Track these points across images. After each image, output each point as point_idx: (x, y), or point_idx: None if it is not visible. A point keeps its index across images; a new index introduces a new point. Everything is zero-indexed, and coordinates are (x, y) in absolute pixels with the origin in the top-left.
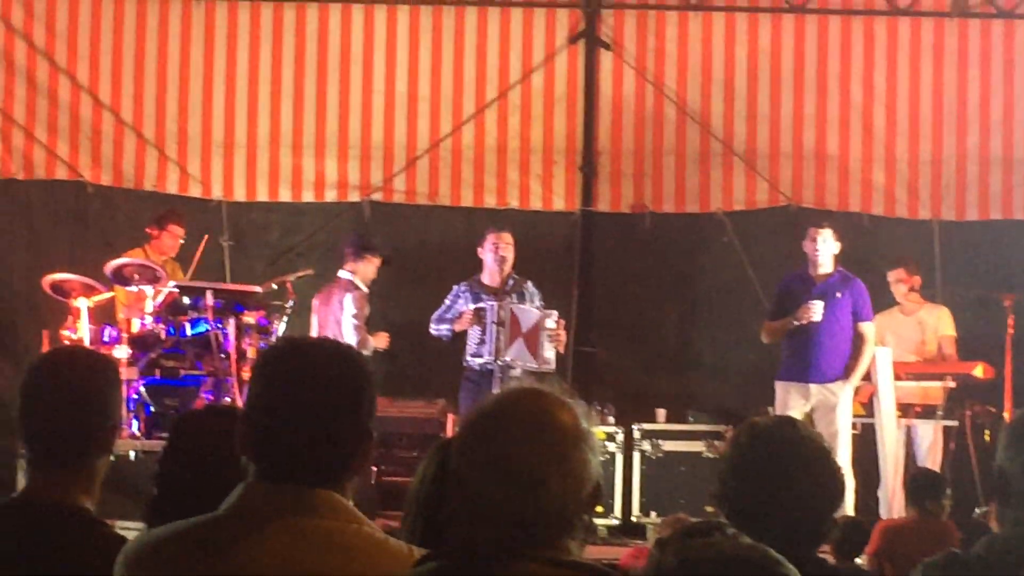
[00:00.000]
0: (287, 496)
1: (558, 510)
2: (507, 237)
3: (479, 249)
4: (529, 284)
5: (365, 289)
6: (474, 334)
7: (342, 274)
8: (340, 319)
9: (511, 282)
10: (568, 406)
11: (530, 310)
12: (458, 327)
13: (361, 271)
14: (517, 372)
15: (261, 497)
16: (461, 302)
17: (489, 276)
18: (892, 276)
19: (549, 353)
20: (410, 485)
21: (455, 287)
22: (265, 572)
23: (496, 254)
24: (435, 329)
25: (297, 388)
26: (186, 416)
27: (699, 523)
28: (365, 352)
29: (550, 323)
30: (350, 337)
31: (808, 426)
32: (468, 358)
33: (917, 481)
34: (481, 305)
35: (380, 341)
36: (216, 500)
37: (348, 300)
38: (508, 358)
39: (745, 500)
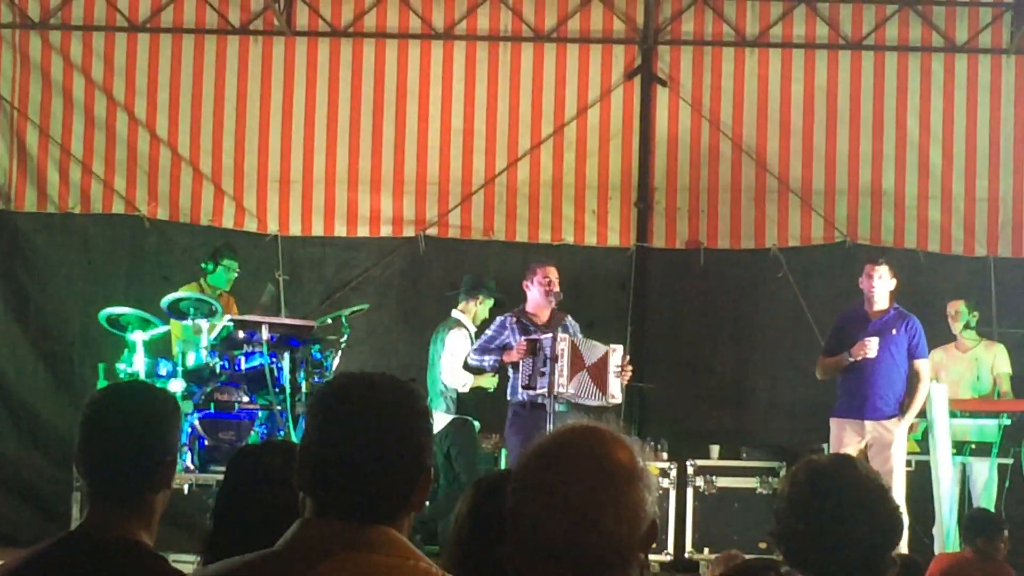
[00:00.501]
0: (344, 532)
1: (614, 548)
2: (555, 271)
3: (525, 283)
4: (569, 317)
5: (471, 328)
6: (525, 367)
7: (454, 314)
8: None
9: (557, 313)
10: (624, 443)
11: (594, 344)
12: (509, 359)
13: (471, 310)
14: (563, 407)
15: (318, 533)
16: (507, 333)
17: (536, 308)
18: (952, 308)
19: (615, 388)
20: (450, 523)
21: (499, 318)
22: None
23: (547, 287)
24: (476, 360)
25: (355, 423)
26: (242, 451)
27: (752, 561)
28: (458, 387)
29: (616, 357)
30: (444, 372)
31: (866, 464)
32: (520, 391)
33: (973, 520)
34: (538, 337)
35: (484, 380)
36: (273, 535)
37: (449, 336)
38: (570, 391)
39: (803, 538)
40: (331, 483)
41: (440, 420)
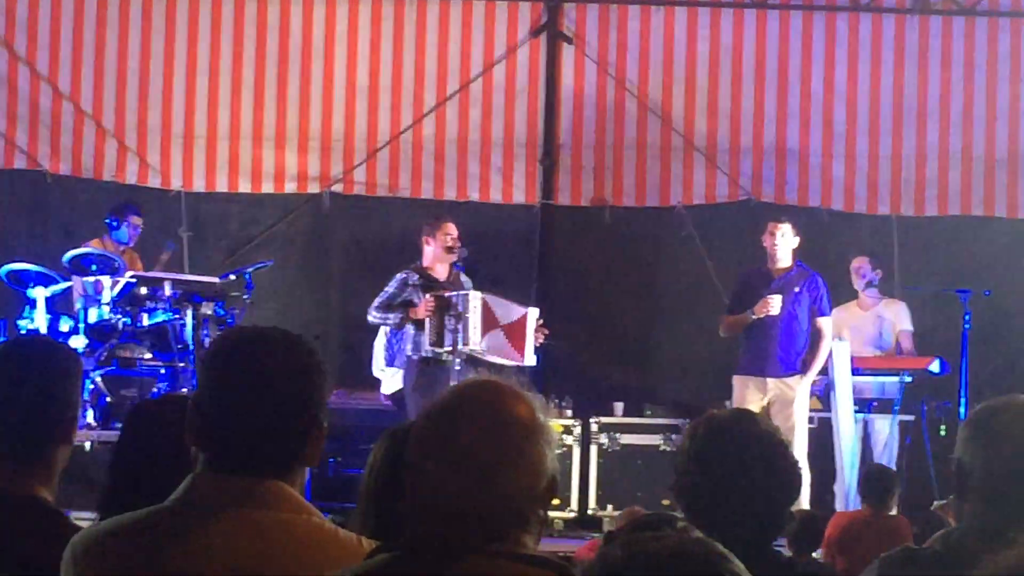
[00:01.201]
0: (235, 487)
1: (512, 503)
2: (454, 227)
3: (424, 238)
4: (463, 275)
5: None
6: (432, 323)
7: None
8: None
9: (451, 272)
10: (525, 399)
11: (511, 304)
12: (416, 315)
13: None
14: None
15: (209, 488)
16: (409, 290)
17: (433, 264)
18: (856, 262)
19: (531, 349)
20: (362, 476)
21: (399, 275)
22: (212, 563)
23: (450, 244)
24: (380, 317)
25: (246, 377)
26: (139, 406)
27: (648, 516)
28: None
29: (533, 319)
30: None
31: (766, 420)
32: (426, 348)
33: (870, 477)
34: (449, 294)
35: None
36: (169, 491)
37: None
38: (483, 347)
39: (702, 493)
40: (222, 438)
41: (396, 383)
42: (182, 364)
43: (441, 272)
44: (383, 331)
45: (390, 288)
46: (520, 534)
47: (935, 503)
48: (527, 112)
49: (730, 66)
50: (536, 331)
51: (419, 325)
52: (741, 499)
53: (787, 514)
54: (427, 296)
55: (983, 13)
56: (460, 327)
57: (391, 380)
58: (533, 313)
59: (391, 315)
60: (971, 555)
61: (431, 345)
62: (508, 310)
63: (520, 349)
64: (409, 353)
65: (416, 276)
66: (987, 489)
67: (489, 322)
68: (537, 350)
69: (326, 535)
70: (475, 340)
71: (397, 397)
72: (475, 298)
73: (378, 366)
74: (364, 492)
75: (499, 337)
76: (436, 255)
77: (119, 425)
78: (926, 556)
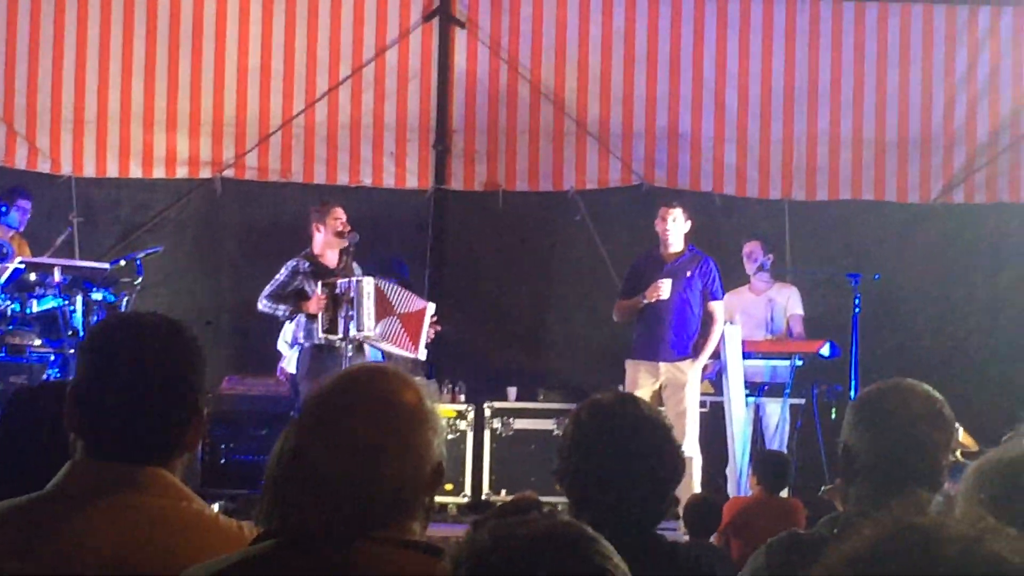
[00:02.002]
0: (113, 473)
1: (398, 489)
2: (342, 212)
3: (314, 224)
4: (355, 264)
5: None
6: (324, 312)
7: None
8: None
9: (343, 259)
10: (411, 383)
11: (410, 295)
12: (308, 310)
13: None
14: (368, 351)
15: (87, 475)
16: (300, 279)
17: (324, 250)
18: (747, 248)
19: (424, 342)
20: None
21: (289, 262)
22: (90, 549)
23: (340, 228)
24: (269, 307)
25: (124, 364)
26: (17, 392)
27: (516, 500)
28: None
29: (431, 311)
30: None
31: (649, 404)
32: (319, 335)
33: (762, 460)
34: (340, 281)
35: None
36: (47, 479)
37: None
38: (376, 333)
39: (584, 476)
40: (100, 424)
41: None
42: (72, 351)
43: (332, 259)
44: None
45: (280, 276)
46: (406, 520)
47: (823, 488)
48: (420, 97)
49: (622, 50)
50: (430, 326)
51: (313, 315)
52: (622, 483)
53: (669, 499)
54: (318, 291)
55: None
56: (353, 313)
57: (292, 359)
58: (431, 308)
59: (281, 306)
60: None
61: (324, 332)
62: (405, 300)
63: (415, 341)
64: (302, 340)
65: (307, 264)
66: (873, 472)
67: (384, 309)
68: (428, 344)
69: (205, 522)
70: (368, 326)
71: (294, 380)
72: (368, 283)
73: (284, 338)
74: (268, 481)
75: (395, 324)
76: (326, 241)
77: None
78: (812, 540)
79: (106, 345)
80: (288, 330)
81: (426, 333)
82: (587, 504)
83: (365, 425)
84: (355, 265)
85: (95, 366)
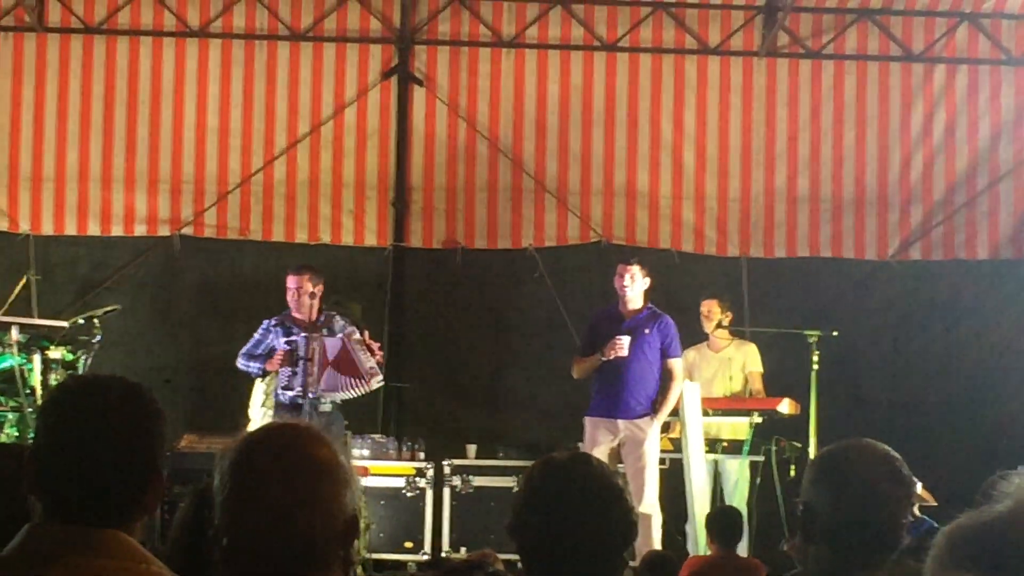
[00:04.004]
0: (72, 536)
1: (310, 544)
2: (304, 280)
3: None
4: (338, 318)
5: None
6: (285, 369)
7: None
8: None
9: (322, 318)
10: (322, 440)
11: (332, 339)
12: (270, 367)
13: None
14: (327, 407)
15: (45, 538)
16: (272, 337)
17: (295, 312)
18: (705, 307)
19: (370, 363)
20: (171, 529)
21: (265, 322)
22: None
23: (294, 298)
24: (244, 364)
25: (83, 426)
26: None
27: (458, 562)
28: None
29: (357, 336)
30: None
31: (603, 464)
32: (279, 391)
33: (717, 518)
34: (293, 338)
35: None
36: (3, 541)
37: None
38: (321, 388)
39: (536, 534)
40: (58, 486)
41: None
42: (30, 410)
43: (303, 317)
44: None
45: (256, 335)
46: (323, 573)
47: (783, 541)
48: (379, 154)
49: (580, 109)
50: (362, 347)
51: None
52: (573, 542)
53: (619, 559)
54: (279, 342)
55: (829, 56)
56: (302, 371)
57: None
58: (351, 334)
59: (252, 364)
60: None
61: (282, 388)
62: (332, 344)
63: (356, 376)
64: (274, 396)
65: (277, 322)
66: (832, 532)
67: (324, 362)
68: (387, 391)
69: None
70: (312, 383)
71: None
72: (313, 340)
73: (254, 401)
74: (172, 546)
75: (333, 375)
76: (292, 305)
77: None
78: None
79: (65, 408)
80: (258, 390)
81: (362, 360)
82: (538, 561)
83: (274, 481)
84: (338, 320)
85: (54, 429)
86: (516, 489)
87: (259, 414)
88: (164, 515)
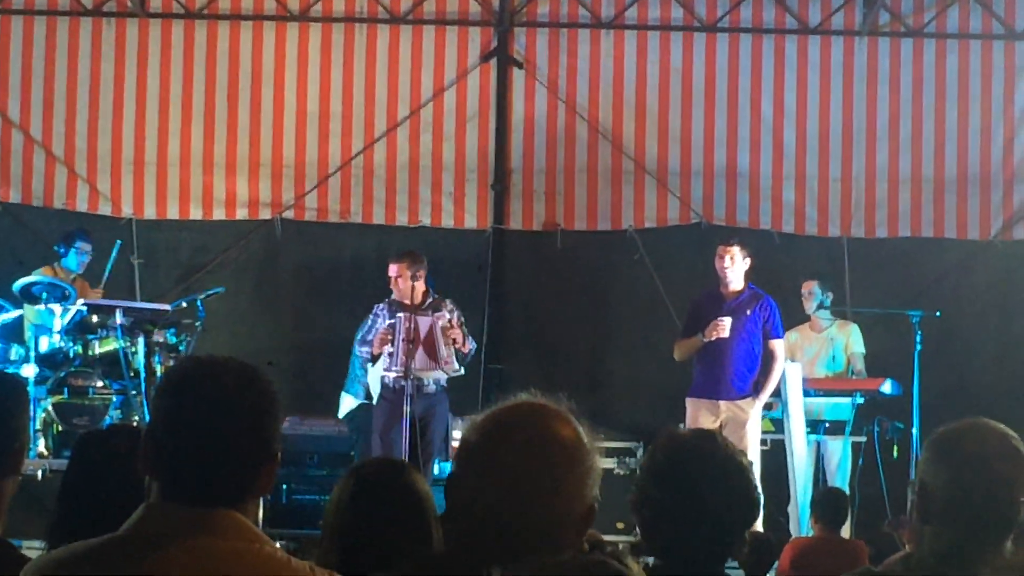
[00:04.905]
0: (188, 516)
1: (547, 525)
2: (404, 267)
3: None
4: (448, 302)
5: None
6: (386, 349)
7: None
8: None
9: (430, 299)
10: (570, 422)
11: (425, 318)
12: (374, 350)
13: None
14: (431, 388)
15: (161, 517)
16: (380, 321)
17: (400, 297)
18: (806, 288)
19: (445, 351)
20: (326, 509)
21: (375, 306)
22: None
23: (395, 285)
24: (360, 352)
25: (199, 408)
26: (88, 436)
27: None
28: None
29: (442, 324)
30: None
31: (727, 440)
32: (382, 373)
33: (823, 499)
34: (391, 321)
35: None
36: (118, 521)
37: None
38: (418, 367)
39: (659, 507)
40: (175, 467)
41: (348, 405)
42: (134, 392)
43: (413, 300)
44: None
45: (367, 321)
46: (554, 558)
47: (887, 521)
48: (478, 137)
49: (680, 90)
50: (447, 333)
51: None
52: (697, 519)
53: (741, 537)
54: (379, 331)
55: (931, 35)
56: (398, 351)
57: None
58: (440, 318)
59: (363, 349)
60: None
61: (384, 371)
62: (425, 323)
63: (435, 359)
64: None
65: (384, 306)
66: (949, 512)
67: (418, 342)
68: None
69: (278, 563)
70: (410, 363)
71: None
72: (410, 321)
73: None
74: (327, 527)
75: (422, 354)
76: (394, 291)
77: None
78: None
79: (182, 389)
80: (375, 374)
81: (440, 342)
82: (658, 537)
83: (521, 458)
84: (448, 303)
85: (171, 409)
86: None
87: (346, 398)
88: (267, 495)
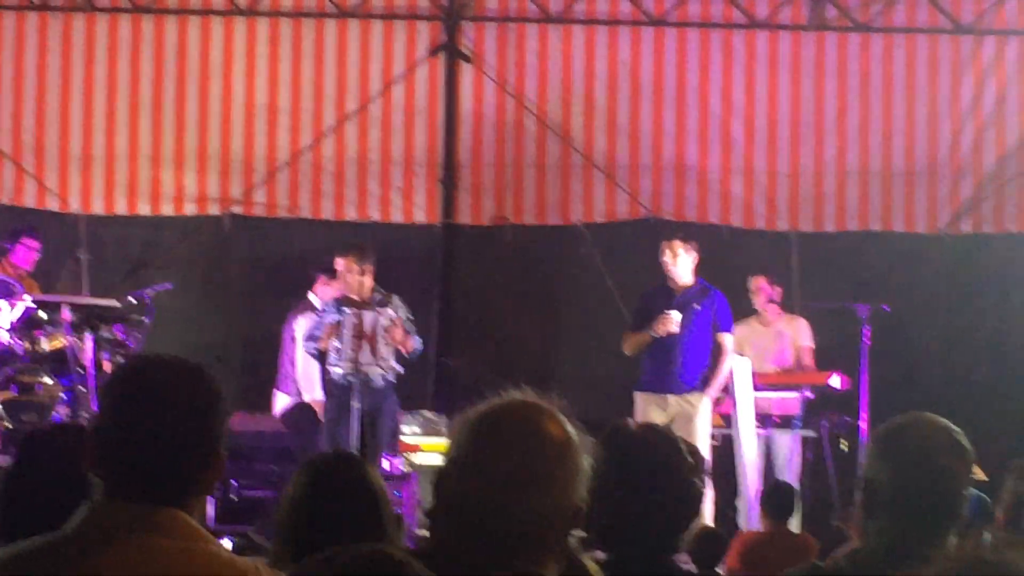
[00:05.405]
0: (132, 514)
1: (536, 523)
2: (351, 260)
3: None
4: (395, 297)
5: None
6: (333, 345)
7: (309, 295)
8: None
9: (377, 296)
10: (558, 419)
11: (374, 315)
12: (321, 345)
13: (321, 292)
14: (379, 383)
15: (106, 516)
16: (329, 317)
17: (348, 293)
18: (753, 284)
19: (385, 350)
20: (278, 504)
21: (322, 303)
22: None
23: (342, 279)
24: (306, 347)
25: (146, 406)
26: (32, 433)
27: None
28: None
29: (384, 321)
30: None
31: (674, 434)
32: (329, 368)
33: (770, 493)
34: (338, 318)
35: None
36: (63, 519)
37: (295, 321)
38: (362, 364)
39: (610, 504)
40: (119, 465)
41: (282, 402)
42: (82, 388)
43: (360, 296)
44: None
45: (315, 316)
46: (542, 556)
47: (835, 515)
48: (427, 131)
49: (628, 84)
50: (388, 334)
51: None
52: (646, 512)
53: (686, 529)
54: (327, 327)
55: (878, 30)
56: (346, 347)
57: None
58: (382, 313)
59: (311, 344)
60: (878, 573)
61: (331, 366)
62: (370, 321)
63: (375, 355)
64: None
65: (333, 302)
66: (895, 507)
67: (365, 338)
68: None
69: (223, 563)
70: (358, 359)
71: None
72: (358, 317)
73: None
74: (281, 523)
75: (367, 350)
76: (342, 286)
77: None
78: (832, 574)
79: (128, 387)
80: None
81: (381, 342)
82: (606, 530)
83: (510, 456)
84: (395, 300)
85: (117, 407)
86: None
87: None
88: (215, 491)
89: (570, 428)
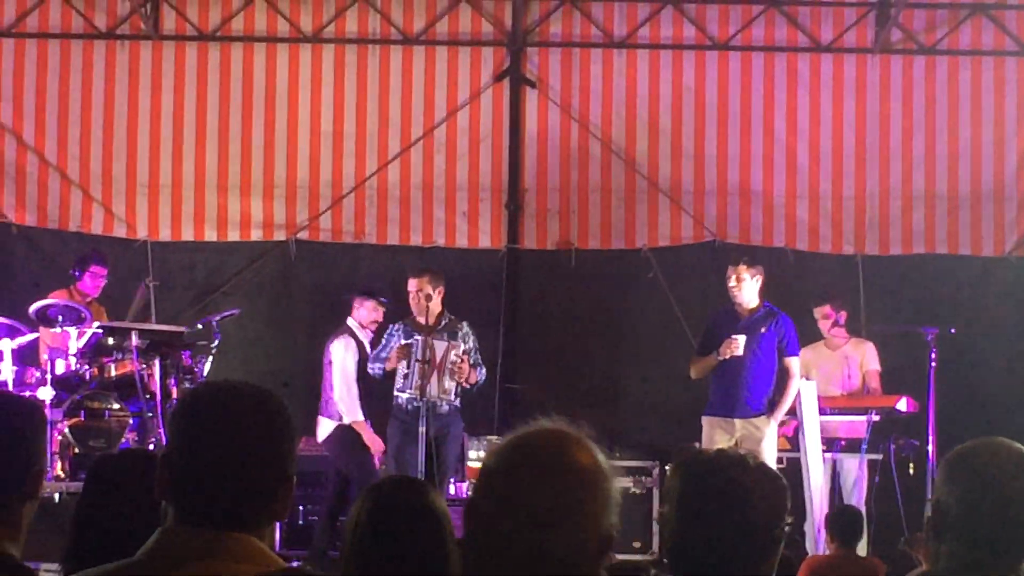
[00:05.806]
0: (203, 540)
1: (561, 558)
2: (424, 281)
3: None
4: (464, 324)
5: (361, 334)
6: (400, 370)
7: (348, 321)
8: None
9: (445, 321)
10: (588, 448)
11: (445, 345)
12: (388, 366)
13: (357, 316)
14: (444, 408)
15: (177, 542)
16: (395, 340)
17: (416, 315)
18: (818, 312)
19: (449, 384)
20: (344, 529)
21: (390, 327)
22: None
23: (414, 300)
24: (371, 368)
25: (215, 432)
26: (102, 459)
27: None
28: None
29: (453, 355)
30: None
31: (758, 459)
32: (395, 393)
33: (835, 516)
34: (408, 341)
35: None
36: (134, 545)
37: (332, 346)
38: (432, 391)
39: (689, 530)
40: (191, 491)
41: (326, 428)
42: (150, 414)
43: (429, 321)
44: None
45: (383, 340)
46: None
47: (903, 539)
48: (492, 156)
49: (693, 108)
50: (454, 368)
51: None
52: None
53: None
54: (395, 348)
55: (944, 52)
56: (413, 372)
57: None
58: (452, 349)
59: (376, 365)
60: None
61: (397, 391)
62: (439, 350)
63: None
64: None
65: (400, 326)
66: (964, 530)
67: (434, 365)
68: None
69: None
70: (426, 386)
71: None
72: (428, 344)
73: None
74: (346, 547)
75: (435, 378)
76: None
77: None
78: None
79: (197, 413)
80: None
81: (446, 373)
82: (685, 558)
83: (540, 487)
84: (463, 326)
85: (188, 434)
86: (639, 490)
87: (323, 422)
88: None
89: (600, 455)
